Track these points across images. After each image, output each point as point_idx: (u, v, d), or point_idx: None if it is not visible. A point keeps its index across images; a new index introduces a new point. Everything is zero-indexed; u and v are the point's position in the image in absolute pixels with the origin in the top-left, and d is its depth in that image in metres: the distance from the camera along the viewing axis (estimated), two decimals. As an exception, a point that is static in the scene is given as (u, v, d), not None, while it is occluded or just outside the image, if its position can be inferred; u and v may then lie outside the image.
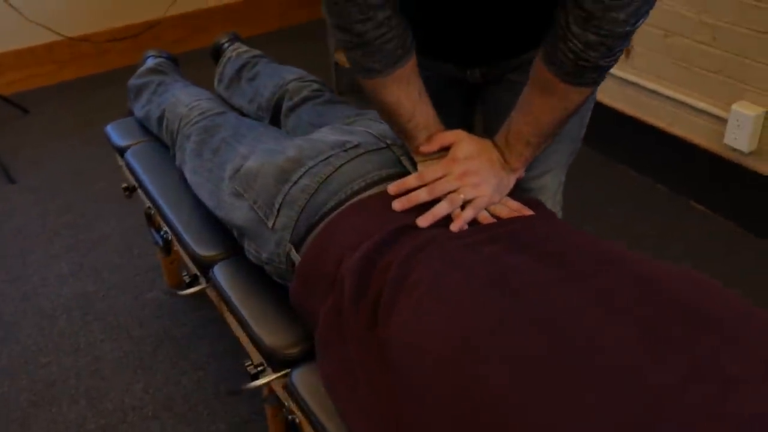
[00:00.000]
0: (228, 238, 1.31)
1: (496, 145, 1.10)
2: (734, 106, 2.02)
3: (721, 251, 2.07)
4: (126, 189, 1.67)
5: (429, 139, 1.09)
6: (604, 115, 2.35)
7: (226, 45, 1.94)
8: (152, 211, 1.60)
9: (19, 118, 3.12)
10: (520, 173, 1.11)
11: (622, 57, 1.51)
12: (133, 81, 1.84)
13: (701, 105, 2.14)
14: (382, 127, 1.20)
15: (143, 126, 1.74)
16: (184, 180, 1.49)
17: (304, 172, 1.12)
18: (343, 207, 1.06)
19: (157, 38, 3.45)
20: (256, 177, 1.18)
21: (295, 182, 1.12)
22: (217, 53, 1.98)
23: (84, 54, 3.41)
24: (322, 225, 1.07)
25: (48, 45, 3.34)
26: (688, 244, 2.10)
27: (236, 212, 1.21)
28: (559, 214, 1.40)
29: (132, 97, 1.83)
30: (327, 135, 1.21)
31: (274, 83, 1.63)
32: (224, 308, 1.26)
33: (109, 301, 2.00)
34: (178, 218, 1.41)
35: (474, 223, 1.02)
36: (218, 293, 1.25)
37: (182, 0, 3.51)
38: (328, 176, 1.10)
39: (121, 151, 1.70)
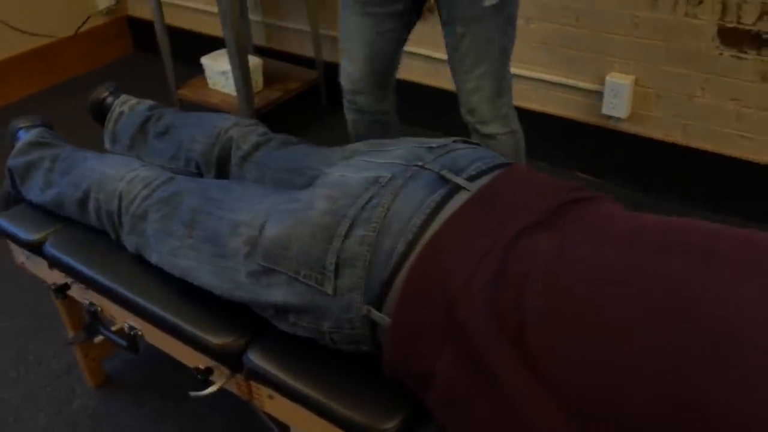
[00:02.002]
0: (241, 318, 1.15)
1: None
2: (608, 78, 2.18)
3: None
4: (57, 290, 1.38)
5: None
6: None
7: (110, 99, 1.70)
8: (97, 308, 1.36)
9: None
10: None
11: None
12: (14, 161, 1.54)
13: (574, 83, 2.27)
14: (399, 152, 1.11)
15: (49, 212, 1.47)
16: (144, 263, 1.28)
17: (352, 223, 1.00)
18: (418, 248, 0.96)
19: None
20: (288, 244, 1.03)
21: (345, 236, 1.00)
22: (99, 110, 1.73)
23: None
24: (402, 274, 0.96)
25: None
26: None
27: (271, 290, 1.05)
28: (513, 117, 1.74)
29: (17, 180, 1.53)
30: (346, 176, 1.09)
31: (205, 134, 1.46)
32: (266, 395, 1.10)
33: (25, 426, 1.67)
34: (165, 308, 1.20)
35: (560, 222, 0.98)
36: (261, 380, 1.09)
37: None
38: (383, 219, 1.00)
39: (35, 246, 1.41)
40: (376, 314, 0.97)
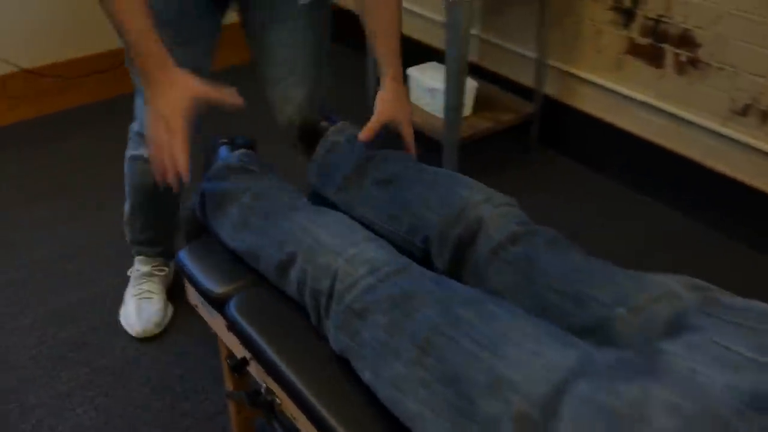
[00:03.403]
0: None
1: (394, 79, 1.37)
2: None
3: None
4: (235, 366, 1.13)
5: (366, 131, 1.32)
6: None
7: (325, 124, 1.43)
8: (275, 401, 1.08)
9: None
10: None
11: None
12: (209, 186, 1.30)
13: None
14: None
15: (234, 255, 1.21)
16: (350, 368, 0.98)
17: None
18: None
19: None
20: None
21: None
22: (309, 132, 1.47)
23: (44, 90, 2.76)
24: None
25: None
26: None
27: None
28: None
29: (208, 207, 1.29)
30: (700, 375, 0.71)
31: (445, 203, 1.14)
32: None
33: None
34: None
35: None
36: None
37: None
38: None
39: (216, 301, 1.16)
40: None
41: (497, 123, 2.36)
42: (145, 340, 1.77)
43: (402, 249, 1.14)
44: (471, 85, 2.31)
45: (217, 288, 1.16)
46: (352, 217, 1.21)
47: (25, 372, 1.68)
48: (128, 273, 1.86)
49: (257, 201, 1.23)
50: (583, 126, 2.42)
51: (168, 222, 1.80)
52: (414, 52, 2.79)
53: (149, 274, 1.84)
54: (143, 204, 1.71)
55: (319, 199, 1.39)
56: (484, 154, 2.50)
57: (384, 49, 1.39)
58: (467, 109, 2.35)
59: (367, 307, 0.96)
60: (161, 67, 1.20)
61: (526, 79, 2.52)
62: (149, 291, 1.82)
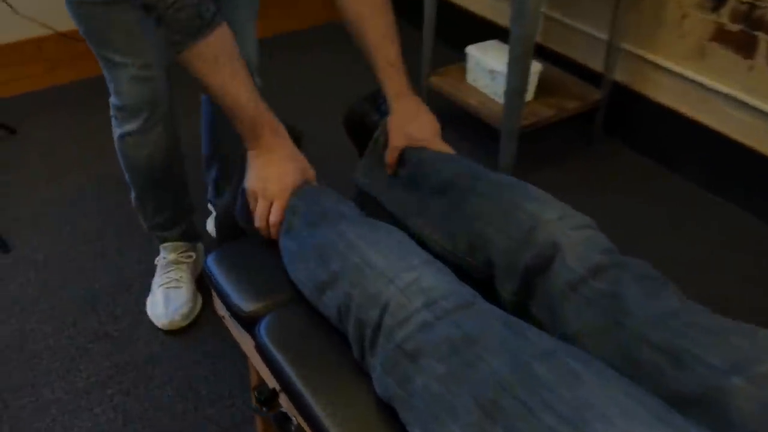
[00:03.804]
0: None
1: (400, 96, 1.19)
2: None
3: None
4: (264, 400, 0.98)
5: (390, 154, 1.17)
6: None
7: (375, 118, 1.27)
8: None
9: (3, 141, 2.35)
10: None
11: None
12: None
13: None
14: None
15: (277, 263, 1.06)
16: (397, 418, 0.83)
17: None
18: None
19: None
20: None
21: None
22: (357, 125, 1.31)
23: (79, 54, 2.63)
24: None
25: (37, 40, 2.55)
26: None
27: None
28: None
29: (245, 204, 1.14)
30: None
31: (511, 223, 0.97)
32: None
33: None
34: None
35: None
36: None
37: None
38: None
39: (246, 320, 1.01)
40: None
41: (561, 110, 2.16)
42: (171, 332, 1.64)
43: (461, 270, 0.97)
44: (535, 68, 2.10)
45: (247, 305, 1.01)
46: (405, 228, 1.06)
47: (41, 364, 1.57)
48: (155, 262, 1.73)
49: (302, 201, 1.07)
50: (655, 117, 2.20)
51: (179, 198, 1.64)
52: (474, 28, 2.59)
53: (176, 262, 1.70)
54: (147, 185, 1.56)
55: (365, 201, 1.23)
56: (543, 144, 2.30)
57: (383, 63, 1.19)
58: (529, 94, 2.15)
59: (421, 349, 0.80)
60: (273, 134, 1.11)
61: (595, 62, 2.30)
62: (177, 280, 1.69)
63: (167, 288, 1.68)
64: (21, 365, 1.56)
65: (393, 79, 1.20)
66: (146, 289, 1.72)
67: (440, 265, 0.91)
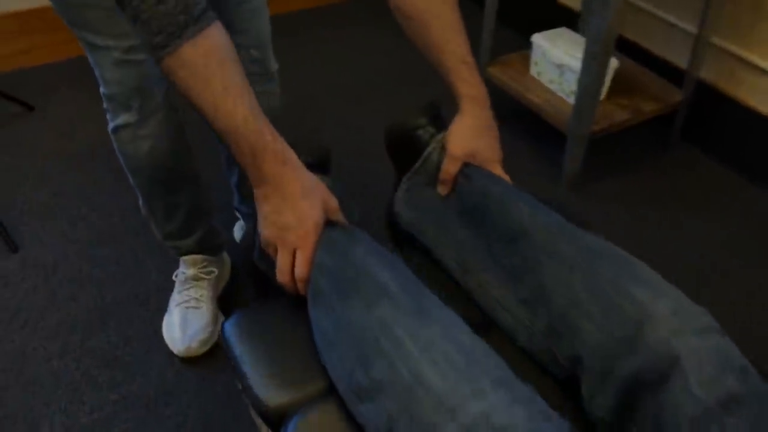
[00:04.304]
0: None
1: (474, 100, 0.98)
2: None
3: None
4: None
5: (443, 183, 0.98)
6: None
7: (425, 135, 1.04)
8: None
9: (20, 119, 2.18)
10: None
11: None
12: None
13: None
14: None
15: (309, 338, 0.85)
16: None
17: None
18: None
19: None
20: None
21: None
22: (403, 138, 1.08)
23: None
24: None
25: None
26: None
27: None
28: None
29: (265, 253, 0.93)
30: None
31: (608, 308, 0.75)
32: None
33: None
34: None
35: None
36: None
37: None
38: None
39: (270, 418, 0.81)
40: None
41: (636, 113, 1.90)
42: (188, 360, 1.46)
43: (534, 355, 0.76)
44: (612, 64, 1.84)
45: (272, 397, 0.81)
46: (464, 283, 0.85)
47: (41, 392, 1.40)
48: (173, 277, 1.54)
49: (327, 255, 0.86)
50: (743, 123, 1.93)
51: (192, 200, 1.42)
52: (540, 13, 2.31)
53: (195, 278, 1.51)
54: (152, 186, 1.34)
55: (405, 241, 1.02)
56: (611, 148, 2.04)
57: (454, 61, 0.98)
58: (601, 94, 1.90)
59: None
60: (279, 162, 0.85)
61: (678, 58, 2.03)
62: (196, 299, 1.50)
63: (186, 308, 1.49)
64: (19, 392, 1.40)
65: (467, 81, 0.98)
66: (163, 306, 1.54)
67: (518, 386, 0.69)
